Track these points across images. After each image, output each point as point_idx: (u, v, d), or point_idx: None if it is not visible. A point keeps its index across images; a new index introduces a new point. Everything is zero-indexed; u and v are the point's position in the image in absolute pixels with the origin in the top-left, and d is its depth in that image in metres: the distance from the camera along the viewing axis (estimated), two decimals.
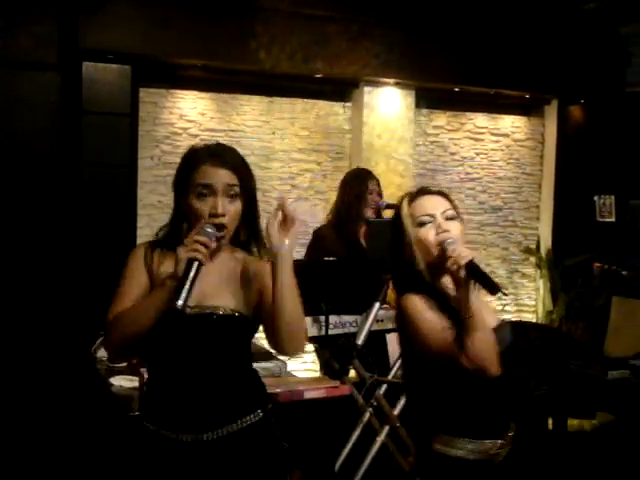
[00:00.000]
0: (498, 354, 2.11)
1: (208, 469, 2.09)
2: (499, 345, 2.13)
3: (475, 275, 2.06)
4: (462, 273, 2.07)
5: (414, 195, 2.32)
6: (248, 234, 2.23)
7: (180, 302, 1.93)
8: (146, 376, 2.29)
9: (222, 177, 2.12)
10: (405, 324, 2.23)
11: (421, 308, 2.18)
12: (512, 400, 2.31)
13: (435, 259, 2.22)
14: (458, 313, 2.12)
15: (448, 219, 2.25)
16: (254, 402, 2.18)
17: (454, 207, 2.29)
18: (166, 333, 2.06)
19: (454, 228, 2.23)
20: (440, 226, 2.22)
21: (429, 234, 2.23)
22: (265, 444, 2.18)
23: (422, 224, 2.25)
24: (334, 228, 4.47)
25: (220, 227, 2.08)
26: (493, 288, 2.04)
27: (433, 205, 2.28)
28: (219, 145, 2.24)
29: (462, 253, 2.09)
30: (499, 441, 2.22)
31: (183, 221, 2.17)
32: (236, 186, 2.13)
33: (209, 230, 2.04)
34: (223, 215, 2.09)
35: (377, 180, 4.61)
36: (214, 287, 2.13)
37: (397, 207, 2.37)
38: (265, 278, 2.13)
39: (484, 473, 2.22)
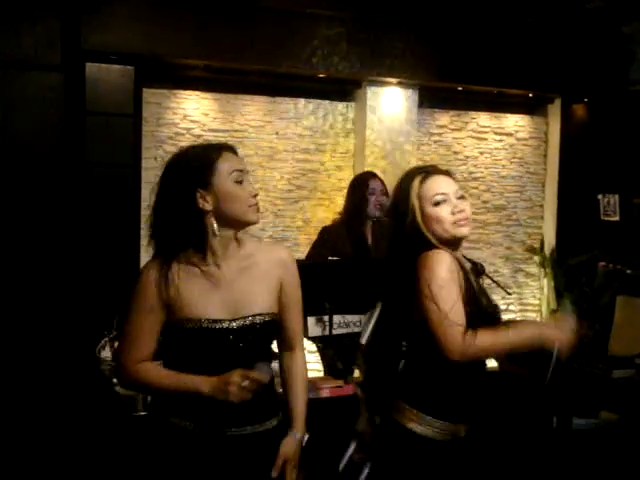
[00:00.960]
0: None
1: (226, 464, 2.13)
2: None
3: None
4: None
5: (425, 175, 2.36)
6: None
7: None
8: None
9: (244, 163, 2.22)
10: (420, 278, 2.23)
11: (448, 271, 2.21)
12: (483, 391, 2.35)
13: (449, 237, 2.30)
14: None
15: (459, 198, 2.34)
16: (274, 408, 2.24)
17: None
18: (207, 346, 2.09)
19: (467, 207, 2.34)
20: (456, 206, 2.30)
21: (446, 212, 2.30)
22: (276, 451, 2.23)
23: (437, 203, 2.30)
24: (343, 226, 4.54)
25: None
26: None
27: (446, 184, 2.35)
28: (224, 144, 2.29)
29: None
30: (467, 426, 2.30)
31: (196, 224, 2.12)
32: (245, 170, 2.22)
33: (266, 368, 2.09)
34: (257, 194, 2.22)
35: (381, 180, 4.63)
36: (247, 292, 2.14)
37: (401, 187, 2.39)
38: (288, 275, 2.23)
39: (440, 451, 2.27)
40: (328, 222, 5.08)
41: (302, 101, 5.54)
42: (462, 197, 2.36)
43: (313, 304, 3.51)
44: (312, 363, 5.39)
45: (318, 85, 5.48)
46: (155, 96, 5.12)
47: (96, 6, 4.55)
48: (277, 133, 5.46)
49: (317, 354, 4.93)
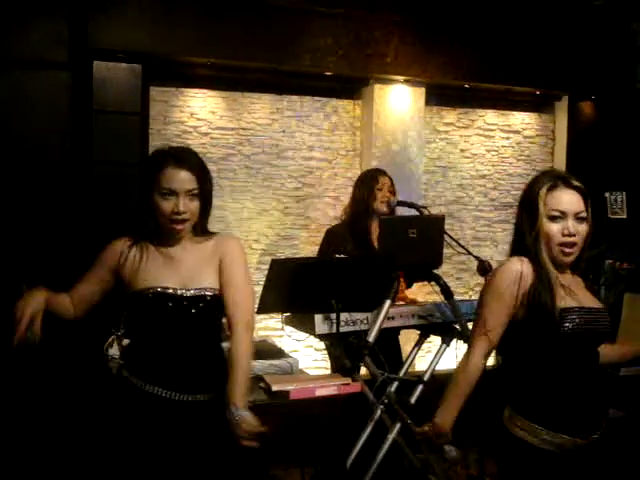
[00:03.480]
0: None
1: (178, 425, 2.46)
2: None
3: None
4: None
5: (555, 184, 2.35)
6: (198, 227, 2.62)
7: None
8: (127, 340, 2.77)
9: (184, 183, 2.50)
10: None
11: (500, 290, 2.27)
12: (603, 402, 2.29)
13: (553, 256, 2.31)
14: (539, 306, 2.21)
15: (578, 220, 2.33)
16: (221, 379, 2.49)
17: (587, 207, 2.38)
18: (158, 313, 2.48)
19: (581, 231, 2.34)
20: (568, 228, 2.30)
21: (555, 231, 2.30)
22: (221, 419, 2.44)
23: (553, 218, 2.31)
24: (347, 226, 4.54)
25: (181, 222, 2.52)
26: None
27: (570, 202, 2.34)
28: (182, 150, 2.62)
29: None
30: (578, 440, 2.20)
31: (148, 216, 2.59)
32: (195, 189, 2.52)
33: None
34: (185, 213, 2.51)
35: (390, 178, 4.62)
36: (196, 269, 2.55)
37: (531, 189, 2.41)
38: (226, 256, 2.57)
39: (557, 466, 2.21)
40: (335, 221, 5.09)
41: (309, 99, 5.54)
42: (583, 219, 2.37)
43: (320, 302, 3.52)
44: (319, 361, 5.41)
45: (325, 83, 5.48)
46: (162, 94, 5.13)
47: (103, 5, 4.57)
48: (284, 131, 5.47)
49: (324, 352, 4.94)
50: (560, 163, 6.29)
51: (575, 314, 2.25)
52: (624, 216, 6.05)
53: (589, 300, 2.38)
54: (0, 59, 4.51)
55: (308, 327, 3.68)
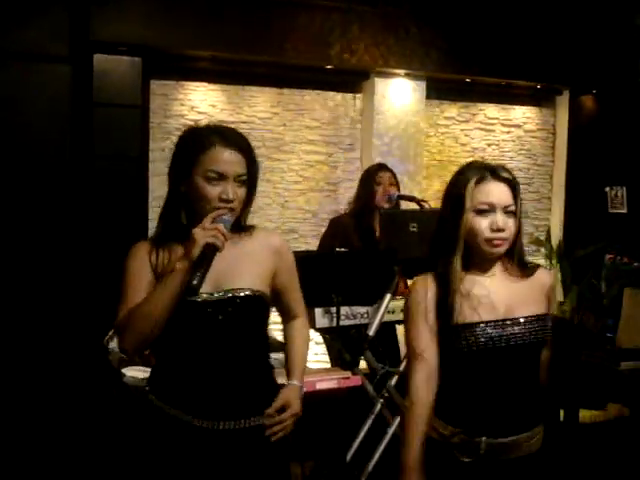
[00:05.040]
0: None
1: (219, 458, 2.08)
2: None
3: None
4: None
5: (482, 177, 2.18)
6: (241, 220, 2.21)
7: (195, 282, 1.94)
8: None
9: (234, 166, 2.09)
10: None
11: (413, 310, 2.18)
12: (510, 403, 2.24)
13: (474, 250, 2.17)
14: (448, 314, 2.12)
15: (507, 213, 2.16)
16: (272, 398, 2.18)
17: (516, 201, 2.19)
18: (187, 321, 2.06)
19: (510, 226, 2.16)
20: (496, 222, 2.14)
21: (483, 226, 2.14)
22: (275, 445, 2.17)
23: (480, 212, 2.15)
24: (351, 218, 4.54)
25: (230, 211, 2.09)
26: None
27: (498, 195, 2.17)
28: (228, 128, 2.22)
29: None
30: (486, 439, 2.13)
31: (180, 208, 2.13)
32: (244, 175, 2.12)
33: (227, 218, 2.05)
34: (233, 201, 2.08)
35: (391, 172, 4.62)
36: (230, 269, 2.12)
37: (457, 181, 2.22)
38: (282, 260, 2.23)
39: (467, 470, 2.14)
40: (335, 214, 5.08)
41: (310, 92, 5.53)
42: (511, 213, 2.17)
43: (320, 295, 3.51)
44: (319, 354, 5.41)
45: (326, 76, 5.48)
46: (163, 88, 5.12)
47: None
48: (284, 125, 5.46)
49: (324, 345, 4.94)
50: (561, 157, 6.29)
51: (476, 330, 2.11)
52: (624, 211, 6.05)
53: (519, 309, 2.18)
54: (1, 52, 4.50)
55: (308, 320, 3.67)
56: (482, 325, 2.12)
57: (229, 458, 2.09)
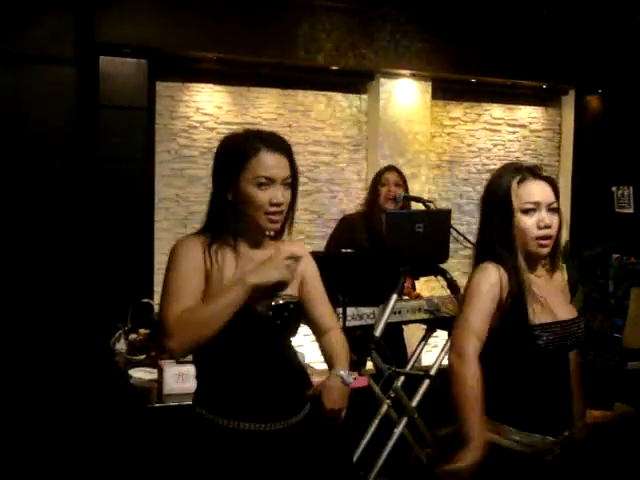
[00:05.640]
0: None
1: (269, 459, 2.11)
2: None
3: None
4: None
5: (524, 177, 2.23)
6: (286, 225, 2.24)
7: (261, 309, 2.10)
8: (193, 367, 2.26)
9: (282, 169, 2.14)
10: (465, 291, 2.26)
11: (482, 289, 2.18)
12: (569, 401, 2.27)
13: (529, 252, 2.22)
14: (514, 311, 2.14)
15: (551, 211, 2.22)
16: (304, 398, 2.23)
17: (557, 197, 2.26)
18: (245, 326, 2.09)
19: (555, 222, 2.22)
20: (543, 220, 2.19)
21: (530, 224, 2.20)
22: (316, 435, 2.23)
23: (526, 212, 2.20)
24: (361, 217, 4.56)
25: (279, 214, 2.14)
26: None
27: (541, 193, 2.22)
28: (270, 132, 2.24)
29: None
30: (550, 438, 2.17)
31: (227, 213, 2.14)
32: (290, 177, 2.17)
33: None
34: (283, 204, 2.13)
35: (397, 172, 4.61)
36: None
37: (498, 185, 2.26)
38: (307, 269, 2.28)
39: (528, 467, 2.16)
40: (341, 215, 5.08)
41: (315, 93, 5.53)
42: (555, 210, 2.23)
43: (326, 296, 3.51)
44: None
45: (331, 77, 5.48)
46: (168, 89, 5.13)
47: (109, 0, 4.57)
48: (290, 126, 5.46)
49: None
50: (567, 157, 6.28)
51: (550, 331, 2.17)
52: (631, 210, 6.04)
53: (564, 310, 2.28)
54: (6, 54, 4.51)
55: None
56: (554, 325, 2.19)
57: (277, 458, 2.12)
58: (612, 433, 3.73)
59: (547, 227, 2.19)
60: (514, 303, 2.17)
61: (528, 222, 2.19)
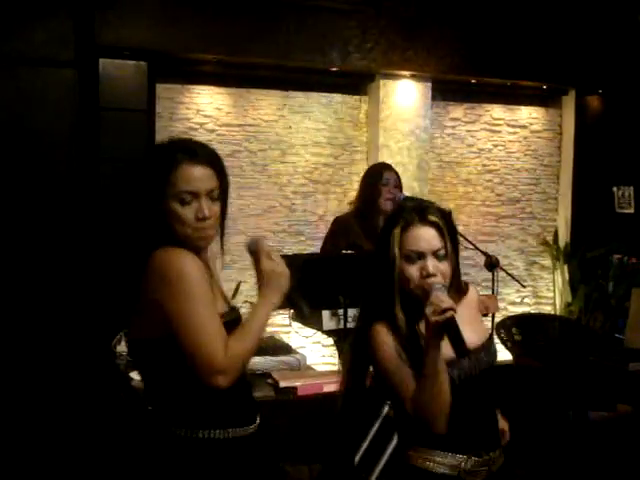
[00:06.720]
0: (447, 414, 2.04)
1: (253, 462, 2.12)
2: None
3: (448, 331, 1.97)
4: (436, 323, 1.97)
5: (408, 222, 2.12)
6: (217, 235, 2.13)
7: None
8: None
9: (205, 182, 2.01)
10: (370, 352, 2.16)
11: (383, 343, 2.11)
12: (494, 421, 2.22)
13: (414, 300, 2.11)
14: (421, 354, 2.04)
15: (439, 259, 2.10)
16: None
17: (447, 241, 2.12)
18: None
19: (443, 269, 2.10)
20: (426, 268, 2.09)
21: (414, 273, 2.10)
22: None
23: (409, 260, 2.10)
24: (356, 218, 4.47)
25: (208, 229, 2.05)
26: (461, 351, 1.98)
27: (426, 240, 2.11)
28: (191, 141, 2.15)
29: (443, 304, 1.97)
30: (474, 458, 2.13)
31: (165, 227, 2.04)
32: (216, 189, 2.04)
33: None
34: (209, 218, 2.02)
35: (395, 173, 4.58)
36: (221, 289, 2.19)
37: (385, 226, 2.20)
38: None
39: None
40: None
41: (315, 95, 5.54)
42: (443, 257, 2.11)
43: (327, 298, 3.51)
44: (327, 357, 5.41)
45: (331, 79, 5.48)
46: (168, 91, 5.13)
47: (109, 2, 4.57)
48: (290, 127, 5.47)
49: (332, 348, 4.94)
50: (567, 157, 6.28)
51: (455, 366, 2.09)
52: (632, 211, 6.04)
53: (475, 337, 2.17)
54: (6, 57, 4.52)
55: (315, 323, 3.67)
56: (457, 360, 2.09)
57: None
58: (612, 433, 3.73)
59: (430, 276, 2.07)
60: (407, 352, 2.10)
61: (411, 271, 2.09)
